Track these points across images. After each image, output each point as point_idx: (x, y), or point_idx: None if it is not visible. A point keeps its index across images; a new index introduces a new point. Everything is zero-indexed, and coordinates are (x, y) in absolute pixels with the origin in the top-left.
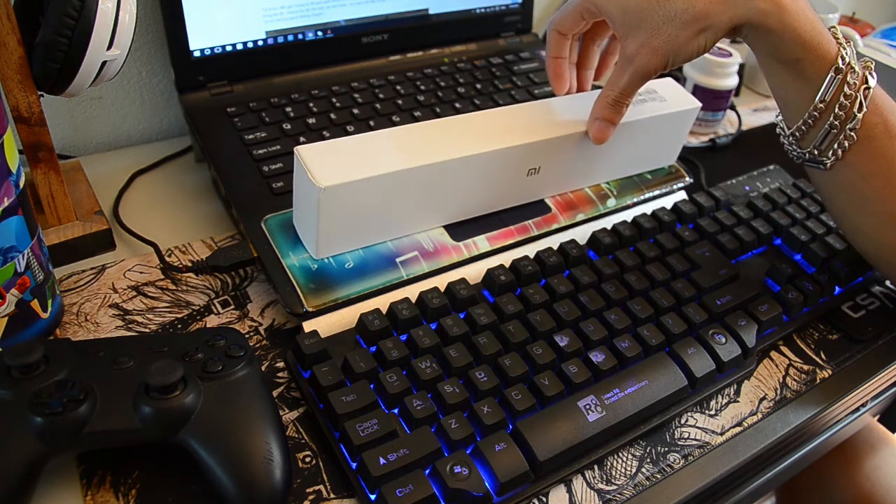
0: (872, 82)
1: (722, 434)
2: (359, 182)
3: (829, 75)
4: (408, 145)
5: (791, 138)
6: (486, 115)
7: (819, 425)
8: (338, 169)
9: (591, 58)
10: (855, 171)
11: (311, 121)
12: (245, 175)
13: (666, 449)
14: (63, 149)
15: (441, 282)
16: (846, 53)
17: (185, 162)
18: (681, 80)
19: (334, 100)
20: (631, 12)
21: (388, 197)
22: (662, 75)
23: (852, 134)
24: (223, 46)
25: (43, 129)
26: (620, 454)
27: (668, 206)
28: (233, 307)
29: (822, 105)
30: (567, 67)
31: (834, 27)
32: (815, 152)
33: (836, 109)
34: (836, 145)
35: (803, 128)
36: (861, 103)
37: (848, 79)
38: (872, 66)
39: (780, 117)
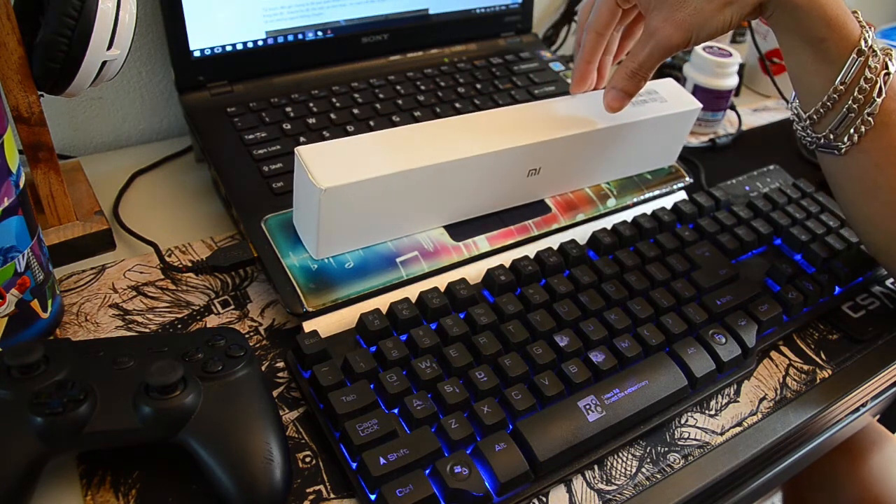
0: (893, 68)
1: (722, 434)
2: (360, 183)
3: (852, 57)
4: (409, 146)
5: (807, 122)
6: (487, 116)
7: (819, 425)
8: (339, 170)
9: (612, 43)
10: (869, 158)
11: (311, 121)
12: (245, 175)
13: (666, 449)
14: (63, 149)
15: (441, 282)
16: (869, 36)
17: (185, 162)
18: (681, 80)
19: (334, 100)
20: None
21: (389, 198)
22: (666, 73)
23: (870, 119)
24: (223, 46)
25: (43, 129)
26: (620, 454)
27: (668, 206)
28: (233, 307)
29: (842, 87)
30: (595, 70)
31: (856, 11)
32: (831, 137)
33: (856, 93)
34: (852, 130)
35: (821, 110)
36: (881, 88)
37: (870, 62)
38: (893, 53)
39: (794, 102)
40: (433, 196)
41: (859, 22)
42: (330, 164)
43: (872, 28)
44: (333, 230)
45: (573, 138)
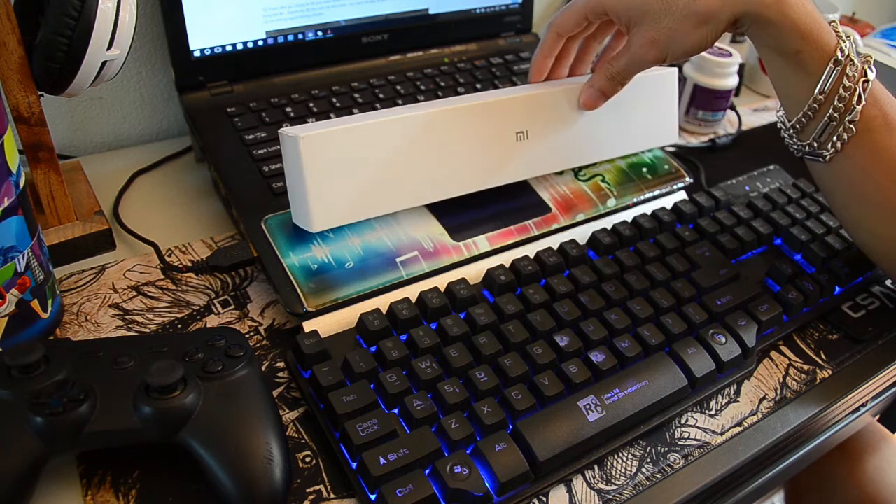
0: (871, 75)
1: (722, 434)
2: (337, 132)
3: (829, 67)
4: (391, 112)
5: (791, 131)
6: (473, 95)
7: (819, 425)
8: (318, 128)
9: (590, 54)
10: (854, 163)
11: (311, 121)
12: (245, 175)
13: (666, 449)
14: (63, 149)
15: (441, 282)
16: (845, 46)
17: (185, 162)
18: (681, 79)
19: (334, 100)
20: (635, 8)
21: (372, 153)
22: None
23: (851, 126)
24: (223, 46)
25: (43, 129)
26: (620, 454)
27: (668, 206)
28: (233, 307)
29: (821, 97)
30: (550, 66)
31: (834, 21)
32: (815, 145)
33: (836, 101)
34: (834, 138)
35: (803, 120)
36: (860, 96)
37: (847, 71)
38: (872, 61)
39: (780, 111)
40: (419, 155)
41: (836, 32)
42: (310, 128)
43: (850, 38)
44: (322, 191)
45: (554, 94)
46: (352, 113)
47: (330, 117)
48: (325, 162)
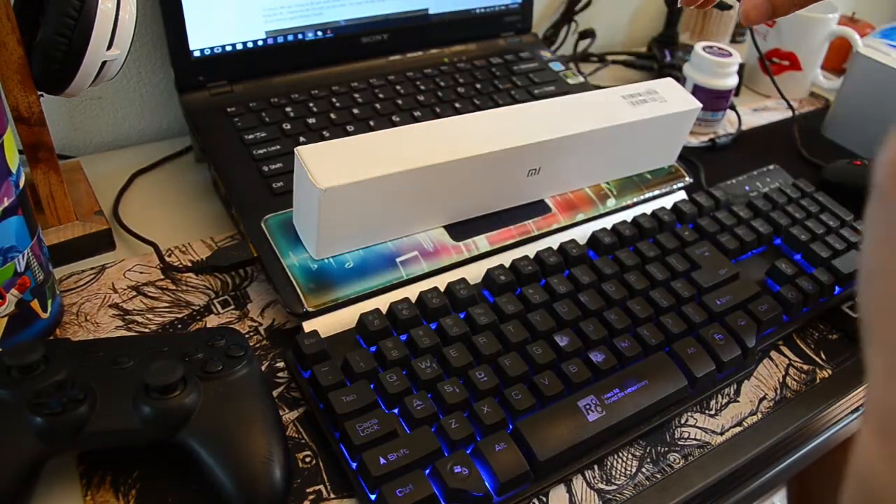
0: None
1: (722, 434)
2: (360, 183)
3: None
4: (409, 146)
5: None
6: (487, 116)
7: (819, 425)
8: (339, 170)
9: None
10: None
11: (311, 121)
12: (245, 175)
13: (666, 449)
14: (63, 149)
15: (441, 282)
16: None
17: (185, 162)
18: (681, 80)
19: (334, 100)
20: None
21: (389, 198)
22: (666, 73)
23: None
24: (223, 46)
25: (43, 129)
26: (620, 454)
27: (668, 206)
28: (233, 307)
29: None
30: None
31: None
32: None
33: None
34: None
35: None
36: None
37: None
38: None
39: None
40: (433, 196)
41: None
42: (330, 164)
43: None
44: (333, 230)
45: (573, 138)
46: (352, 113)
47: (331, 117)
48: (342, 208)
